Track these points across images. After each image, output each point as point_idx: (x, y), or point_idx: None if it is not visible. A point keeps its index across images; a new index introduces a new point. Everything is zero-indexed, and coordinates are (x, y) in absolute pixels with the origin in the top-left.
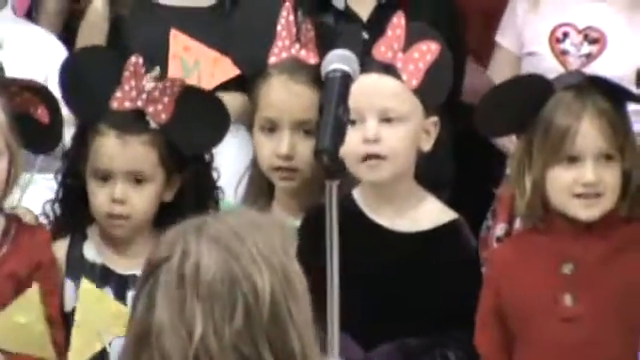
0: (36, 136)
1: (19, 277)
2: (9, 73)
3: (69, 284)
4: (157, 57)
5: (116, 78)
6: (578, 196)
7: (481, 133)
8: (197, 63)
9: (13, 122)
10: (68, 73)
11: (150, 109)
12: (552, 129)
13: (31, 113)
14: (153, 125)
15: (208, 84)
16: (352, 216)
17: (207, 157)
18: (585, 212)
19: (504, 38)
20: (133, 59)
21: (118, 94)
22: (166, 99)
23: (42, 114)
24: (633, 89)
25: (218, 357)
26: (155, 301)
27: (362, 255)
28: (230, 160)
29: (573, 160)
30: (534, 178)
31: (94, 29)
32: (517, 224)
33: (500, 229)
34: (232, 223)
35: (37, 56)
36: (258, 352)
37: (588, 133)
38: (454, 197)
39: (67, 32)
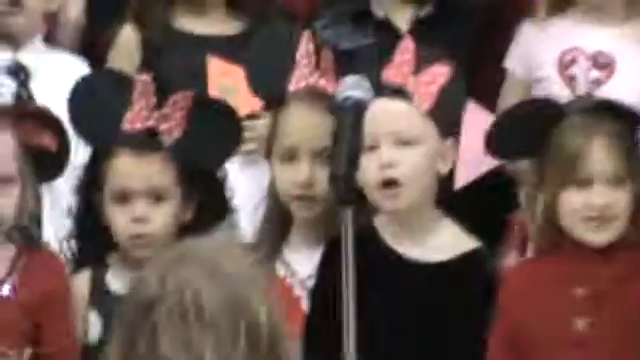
0: (41, 164)
1: (30, 307)
2: (41, 102)
3: (94, 316)
4: (193, 85)
5: (125, 100)
6: (588, 220)
7: (493, 156)
8: (235, 86)
9: (24, 150)
10: (77, 100)
11: (162, 127)
12: (562, 152)
13: (36, 141)
14: (167, 142)
15: (248, 106)
16: (372, 245)
17: (221, 175)
18: (595, 236)
19: (513, 64)
20: (143, 78)
21: (129, 115)
22: (177, 115)
23: (49, 141)
24: None
25: None
26: (157, 338)
27: (382, 285)
28: (248, 190)
29: (583, 184)
30: (545, 201)
31: (125, 58)
32: (529, 252)
33: (512, 258)
34: (210, 248)
35: (68, 85)
36: None
37: (598, 157)
38: (471, 225)
39: (95, 62)
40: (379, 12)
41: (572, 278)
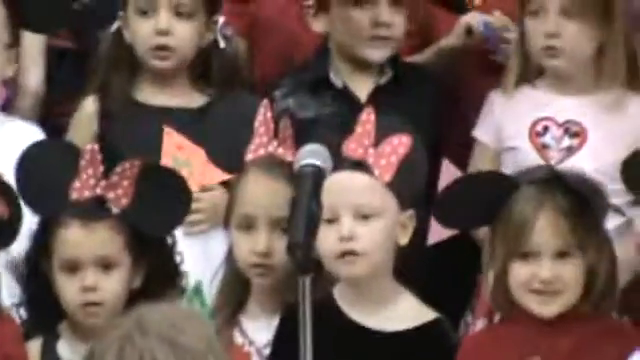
0: None
1: None
2: None
3: None
4: (151, 157)
5: (72, 169)
6: (535, 292)
7: (441, 224)
8: (188, 161)
9: None
10: (24, 170)
11: (110, 195)
12: (511, 224)
13: None
14: (115, 210)
15: (200, 181)
16: (330, 314)
17: (170, 240)
18: (542, 308)
19: (482, 133)
20: (89, 147)
21: (77, 184)
22: (125, 183)
23: (1, 209)
24: (614, 183)
25: None
26: None
27: (340, 354)
28: (191, 259)
29: (531, 256)
30: (496, 271)
31: (85, 128)
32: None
33: (480, 324)
34: (165, 316)
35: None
36: None
37: (545, 230)
38: (432, 291)
39: (54, 131)
40: (337, 81)
41: (527, 348)
